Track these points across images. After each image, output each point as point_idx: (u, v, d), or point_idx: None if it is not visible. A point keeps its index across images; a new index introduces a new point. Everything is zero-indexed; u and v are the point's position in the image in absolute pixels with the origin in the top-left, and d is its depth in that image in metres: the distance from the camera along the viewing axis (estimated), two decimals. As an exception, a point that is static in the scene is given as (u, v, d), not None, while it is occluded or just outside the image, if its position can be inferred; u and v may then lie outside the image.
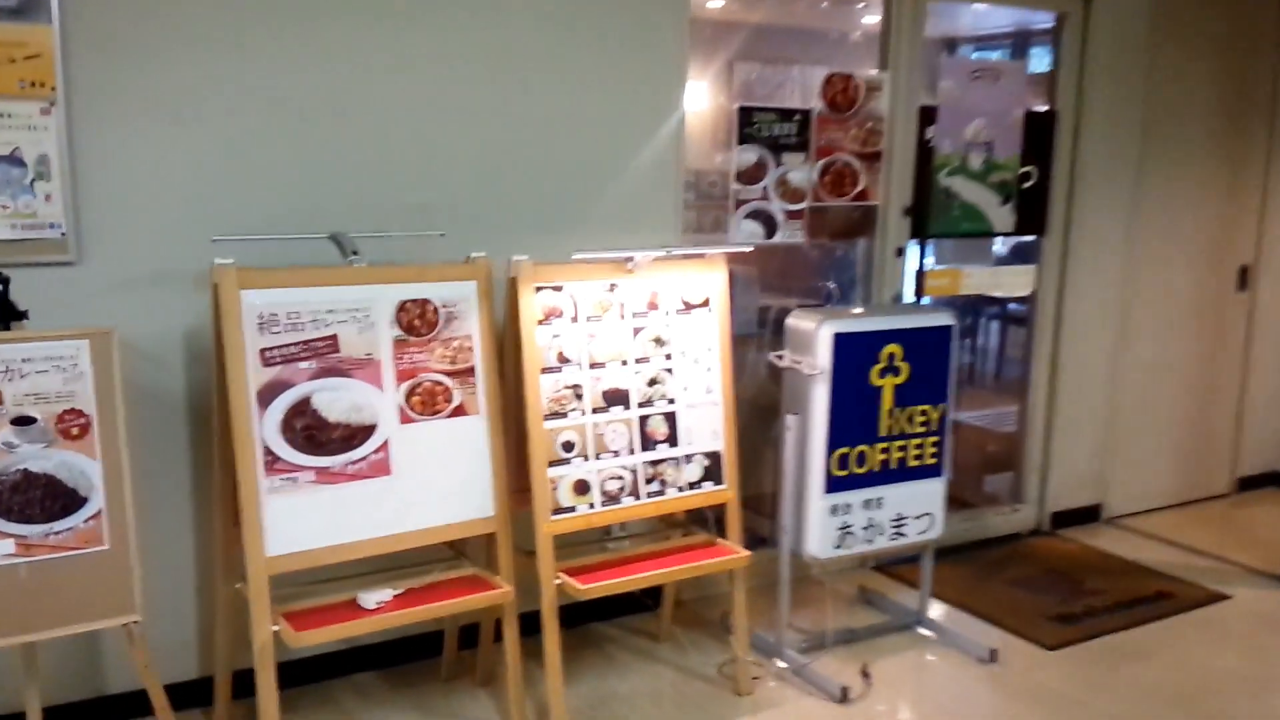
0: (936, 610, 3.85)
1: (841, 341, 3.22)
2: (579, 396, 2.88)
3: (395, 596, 2.63)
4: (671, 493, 3.06)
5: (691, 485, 3.11)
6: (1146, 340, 4.85)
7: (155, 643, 2.73)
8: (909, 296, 4.22)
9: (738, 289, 4.04)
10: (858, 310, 3.39)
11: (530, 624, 2.80)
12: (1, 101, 2.41)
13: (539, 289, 2.81)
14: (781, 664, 3.39)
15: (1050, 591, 4.10)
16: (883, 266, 4.11)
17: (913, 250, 4.09)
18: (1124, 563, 4.44)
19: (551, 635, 2.79)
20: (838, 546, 3.37)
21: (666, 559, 3.05)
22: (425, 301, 2.68)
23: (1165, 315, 4.91)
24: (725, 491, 3.16)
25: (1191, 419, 5.13)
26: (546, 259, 2.82)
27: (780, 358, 3.34)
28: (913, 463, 3.45)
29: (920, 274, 4.26)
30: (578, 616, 3.52)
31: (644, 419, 3.01)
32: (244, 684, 2.46)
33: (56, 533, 2.22)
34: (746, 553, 3.09)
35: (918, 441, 3.45)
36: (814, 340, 3.21)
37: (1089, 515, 4.88)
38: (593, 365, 2.91)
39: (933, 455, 3.49)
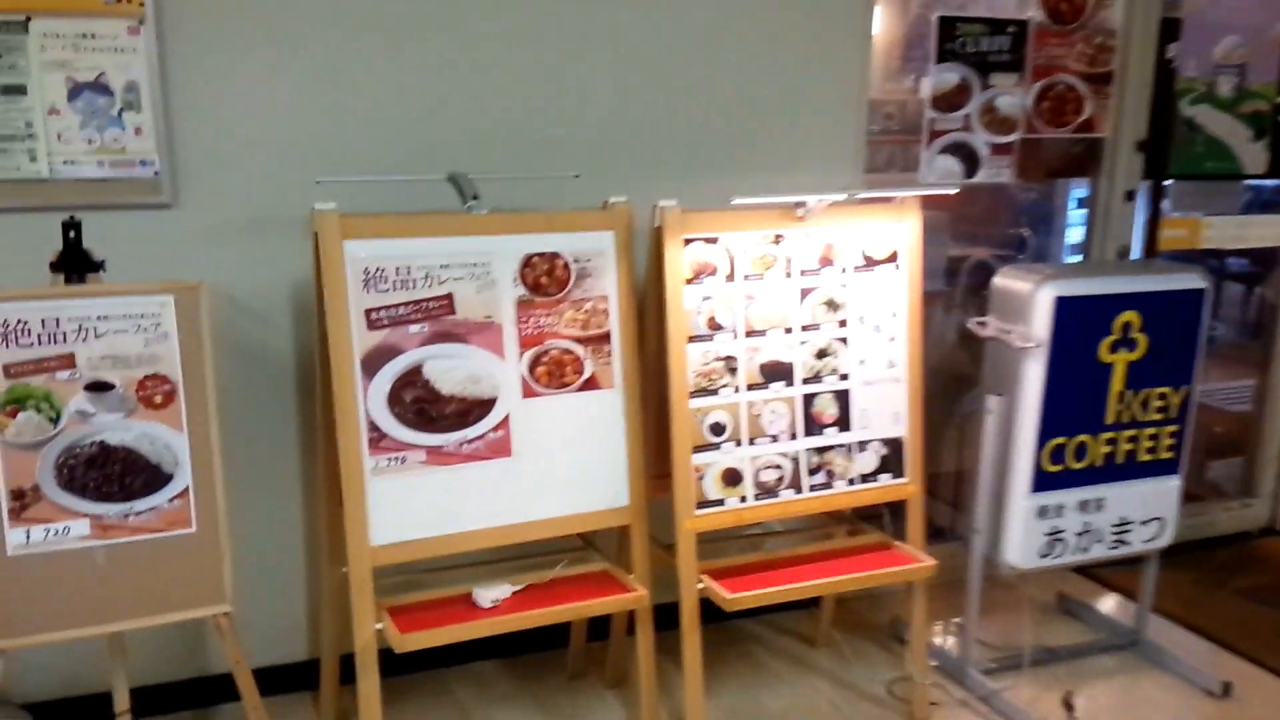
0: (1153, 626, 3.24)
1: (1065, 307, 2.64)
2: (732, 370, 2.46)
3: (514, 594, 2.31)
4: (840, 486, 2.61)
5: (865, 478, 2.65)
6: None
7: (263, 623, 2.58)
8: (1136, 252, 3.54)
9: (927, 233, 3.53)
10: (1085, 268, 2.78)
11: (668, 616, 2.44)
12: (85, 19, 2.17)
13: (688, 241, 2.38)
14: (965, 688, 2.91)
15: (1290, 602, 3.40)
16: (1108, 212, 3.44)
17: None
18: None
19: (692, 647, 2.42)
20: (1044, 555, 2.84)
21: (831, 564, 2.62)
22: (555, 255, 2.31)
23: None
24: (907, 486, 2.68)
25: None
26: (699, 205, 2.38)
27: (982, 324, 2.79)
28: (1144, 457, 2.86)
29: (1153, 223, 3.55)
30: (722, 612, 3.12)
31: (809, 398, 2.56)
32: (352, 668, 2.22)
33: (138, 513, 2.01)
34: (931, 561, 2.61)
35: (1152, 432, 2.84)
36: (1029, 305, 2.65)
37: None
38: (750, 333, 2.48)
39: (1169, 449, 2.88)
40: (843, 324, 2.60)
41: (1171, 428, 2.88)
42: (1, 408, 1.90)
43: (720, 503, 2.49)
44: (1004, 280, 2.78)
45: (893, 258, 2.64)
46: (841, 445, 2.63)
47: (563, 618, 2.31)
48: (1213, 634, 3.23)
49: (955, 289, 3.68)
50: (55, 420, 1.94)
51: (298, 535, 2.61)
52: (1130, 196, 3.52)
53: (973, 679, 2.93)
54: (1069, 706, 2.84)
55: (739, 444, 2.51)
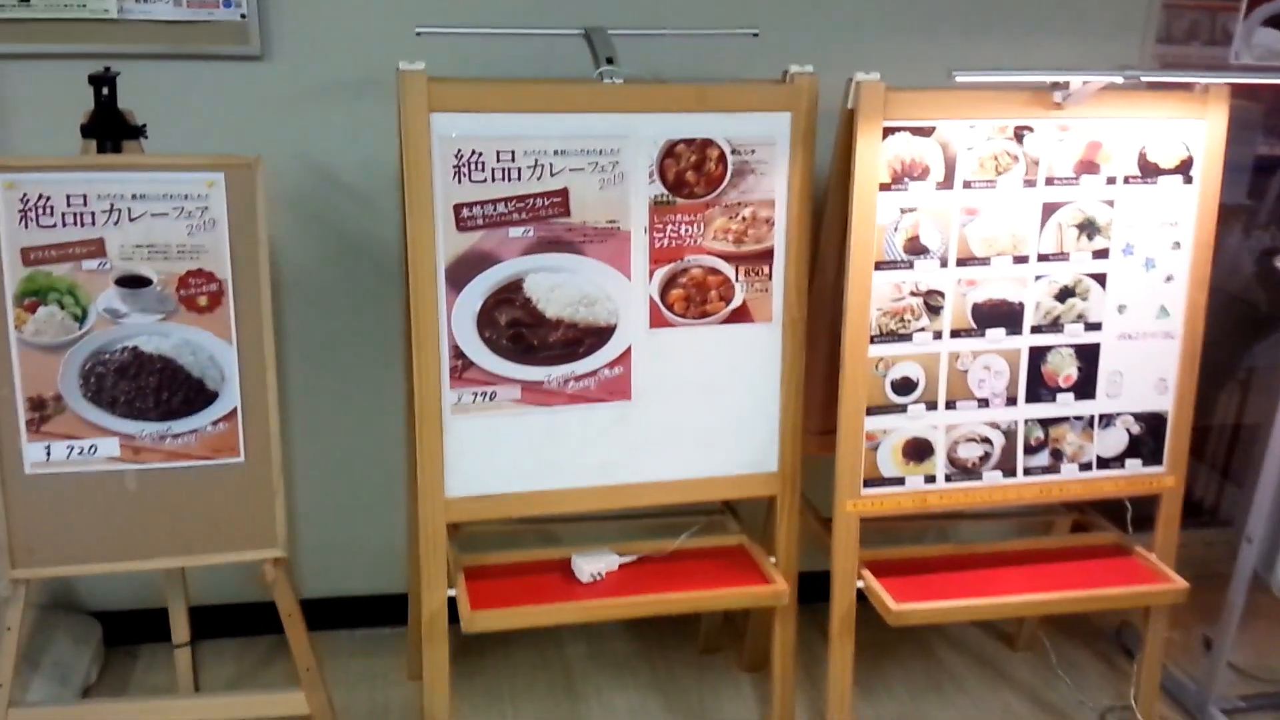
0: None
1: None
2: (934, 309, 1.84)
3: (622, 566, 1.86)
4: (1069, 471, 1.98)
5: (1106, 462, 1.99)
6: None
7: (366, 547, 2.34)
8: None
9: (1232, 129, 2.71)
10: None
11: (824, 584, 1.93)
12: None
13: (890, 131, 1.75)
14: None
15: None
16: None
17: None
18: None
19: (842, 658, 1.93)
20: None
21: (1041, 570, 2.02)
22: (707, 144, 1.75)
23: None
24: (1164, 477, 2.01)
25: None
26: (911, 81, 1.73)
27: None
28: None
29: None
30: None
31: (1040, 352, 1.91)
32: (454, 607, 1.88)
33: (175, 435, 1.68)
34: (1181, 584, 1.96)
35: None
36: None
37: None
38: (965, 261, 1.84)
39: None
40: (1100, 254, 1.91)
41: None
42: (19, 300, 1.59)
43: (899, 481, 1.92)
44: None
45: (1183, 167, 1.90)
46: (1079, 417, 1.98)
47: (672, 609, 1.86)
48: None
49: (1262, 205, 2.82)
50: (81, 319, 1.62)
51: (402, 455, 2.25)
52: None
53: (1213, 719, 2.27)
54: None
55: (932, 407, 1.91)
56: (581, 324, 1.79)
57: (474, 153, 1.68)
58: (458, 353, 1.74)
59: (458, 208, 1.70)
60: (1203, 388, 2.07)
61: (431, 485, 1.73)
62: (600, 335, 1.80)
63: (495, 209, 1.70)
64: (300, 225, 2.08)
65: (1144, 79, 1.79)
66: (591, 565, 1.87)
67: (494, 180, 1.69)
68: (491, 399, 1.76)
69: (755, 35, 1.96)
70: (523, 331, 1.75)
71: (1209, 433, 2.85)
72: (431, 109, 1.65)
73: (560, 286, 1.76)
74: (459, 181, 1.69)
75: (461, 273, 1.72)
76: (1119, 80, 1.75)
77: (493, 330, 1.74)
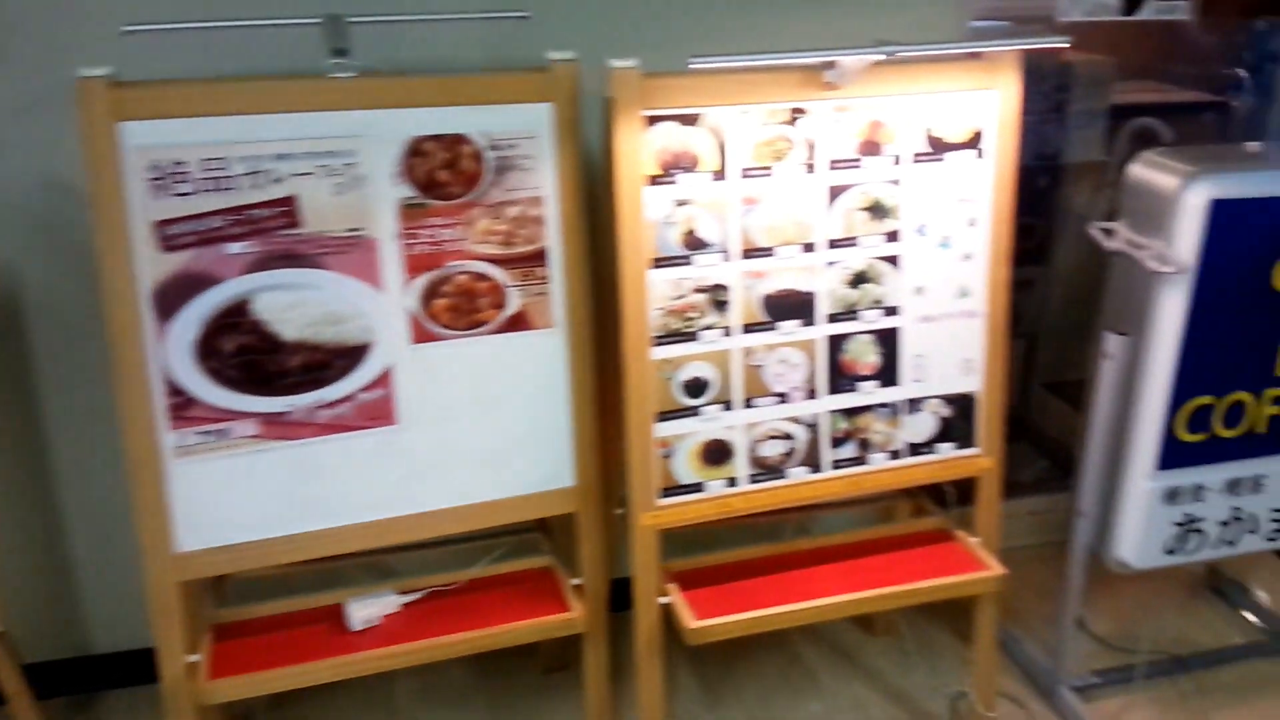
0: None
1: (1224, 215, 1.79)
2: (720, 305, 1.73)
3: (406, 606, 1.71)
4: (878, 460, 1.89)
5: (917, 448, 1.91)
6: None
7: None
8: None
9: (1079, 85, 2.69)
10: (1262, 156, 1.89)
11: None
12: None
13: (653, 119, 1.62)
14: (1055, 710, 2.21)
15: None
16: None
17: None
18: None
19: (651, 680, 1.79)
20: (1172, 551, 2.07)
21: (858, 566, 1.92)
22: (459, 140, 1.59)
23: None
24: (978, 459, 1.93)
25: None
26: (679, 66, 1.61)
27: (1108, 233, 1.96)
28: (1331, 421, 2.01)
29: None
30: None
31: (838, 341, 1.81)
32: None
33: None
34: (999, 570, 1.89)
35: (1348, 387, 1.99)
36: (1172, 210, 1.81)
37: None
38: (750, 252, 1.73)
39: None
40: (892, 237, 1.81)
41: (1379, 382, 2.00)
42: None
43: (698, 487, 1.80)
44: (1142, 171, 1.92)
45: (973, 141, 1.81)
46: (885, 405, 1.89)
47: (451, 653, 1.70)
48: None
49: (1113, 162, 2.80)
50: None
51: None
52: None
53: (1064, 701, 2.22)
54: (1190, 748, 2.11)
55: (728, 407, 1.79)
56: (328, 345, 1.62)
57: (175, 163, 1.50)
58: (175, 389, 1.56)
59: (159, 225, 1.52)
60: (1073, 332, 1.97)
61: (156, 542, 1.55)
62: (352, 356, 1.64)
63: (206, 224, 1.53)
64: (43, 242, 1.87)
65: (914, 53, 1.68)
66: (365, 610, 1.71)
67: (203, 192, 1.52)
68: (223, 437, 1.59)
69: (526, 18, 1.81)
70: (255, 359, 1.58)
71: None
72: (119, 117, 1.47)
73: (298, 305, 1.60)
74: (159, 196, 1.51)
75: (171, 299, 1.54)
76: (884, 55, 1.64)
77: (217, 360, 1.56)
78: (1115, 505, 2.08)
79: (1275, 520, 2.13)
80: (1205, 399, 1.97)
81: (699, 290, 1.74)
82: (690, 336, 1.76)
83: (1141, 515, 2.04)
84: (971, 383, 1.94)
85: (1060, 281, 3.00)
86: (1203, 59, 3.04)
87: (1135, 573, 2.11)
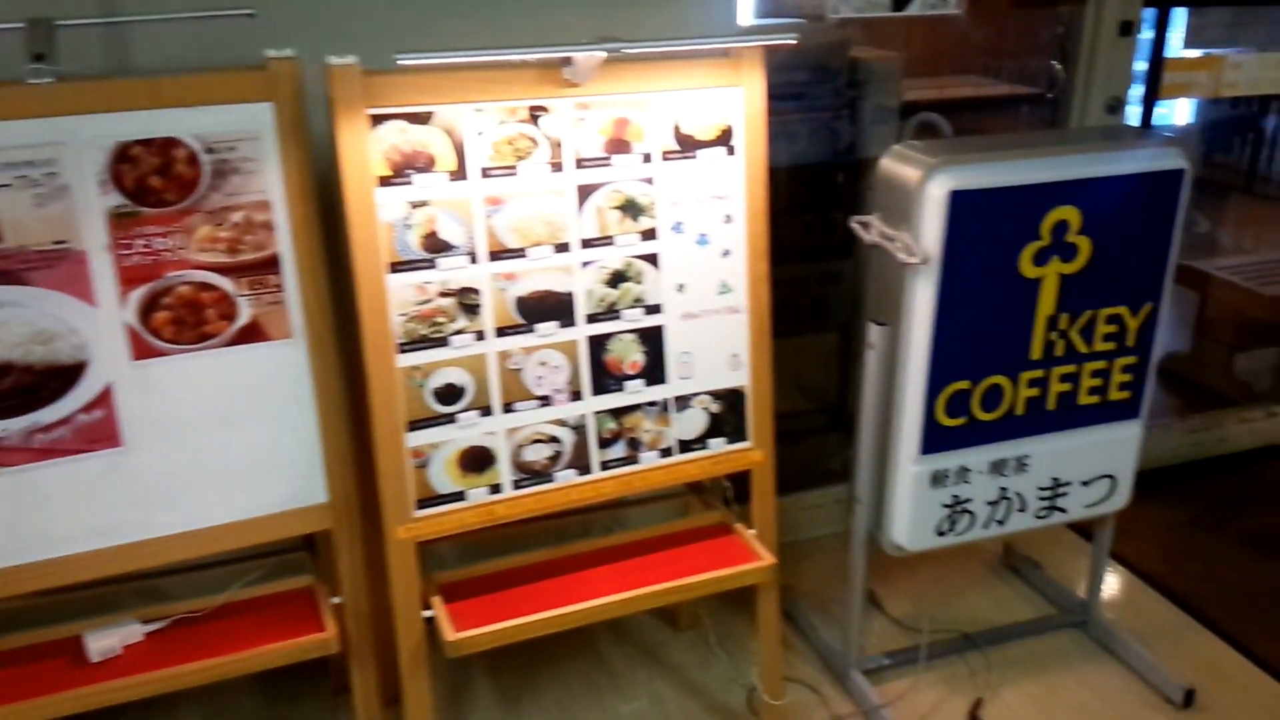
0: (1117, 592, 2.63)
1: (966, 205, 1.86)
2: (470, 309, 1.70)
3: (150, 635, 1.62)
4: (649, 458, 1.88)
5: (687, 445, 1.91)
6: None
7: None
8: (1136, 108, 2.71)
9: (872, 80, 2.80)
10: (1002, 147, 1.96)
11: None
12: None
13: (380, 118, 1.57)
14: (849, 696, 2.26)
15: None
16: (1093, 52, 2.57)
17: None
18: None
19: (419, 699, 1.75)
20: (943, 532, 2.13)
21: (635, 565, 1.92)
22: (171, 143, 1.52)
23: None
24: (750, 452, 1.95)
25: None
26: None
27: (865, 226, 2.00)
28: (1086, 399, 2.12)
29: (1157, 65, 2.69)
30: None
31: (600, 341, 1.81)
32: None
33: None
34: (770, 560, 1.91)
35: (1098, 366, 2.09)
36: (916, 202, 1.86)
37: None
38: (498, 254, 1.71)
39: (1124, 387, 2.12)
40: (648, 235, 1.82)
41: (1127, 360, 2.12)
42: None
43: (458, 496, 1.77)
44: (889, 165, 1.97)
45: (724, 138, 1.83)
46: (652, 403, 1.89)
47: (191, 681, 1.62)
48: (1191, 601, 2.55)
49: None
50: None
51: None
52: (1128, 29, 2.64)
53: (855, 684, 2.27)
54: (974, 722, 2.18)
55: (487, 412, 1.76)
56: (39, 365, 1.53)
57: None
58: None
59: None
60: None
61: None
62: (66, 376, 1.55)
63: (-116, 243, 1.42)
64: None
65: (652, 50, 1.69)
66: (104, 641, 1.63)
67: (-124, 209, 1.40)
68: (-80, 468, 1.48)
69: (252, 15, 1.74)
70: (-47, 384, 1.47)
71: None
72: None
73: (2, 325, 1.50)
74: None
75: None
76: (616, 50, 1.64)
77: (-92, 387, 1.46)
78: (887, 491, 2.13)
79: (1043, 499, 2.22)
80: (962, 384, 2.04)
81: (445, 294, 1.71)
82: (440, 342, 1.72)
83: (910, 499, 2.10)
84: (739, 377, 1.96)
85: (867, 273, 3.08)
86: (1019, 52, 3.17)
87: (910, 555, 2.17)
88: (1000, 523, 2.20)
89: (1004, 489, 2.17)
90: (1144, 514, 2.86)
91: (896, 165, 1.95)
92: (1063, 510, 2.25)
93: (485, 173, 1.70)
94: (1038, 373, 2.08)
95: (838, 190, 3.06)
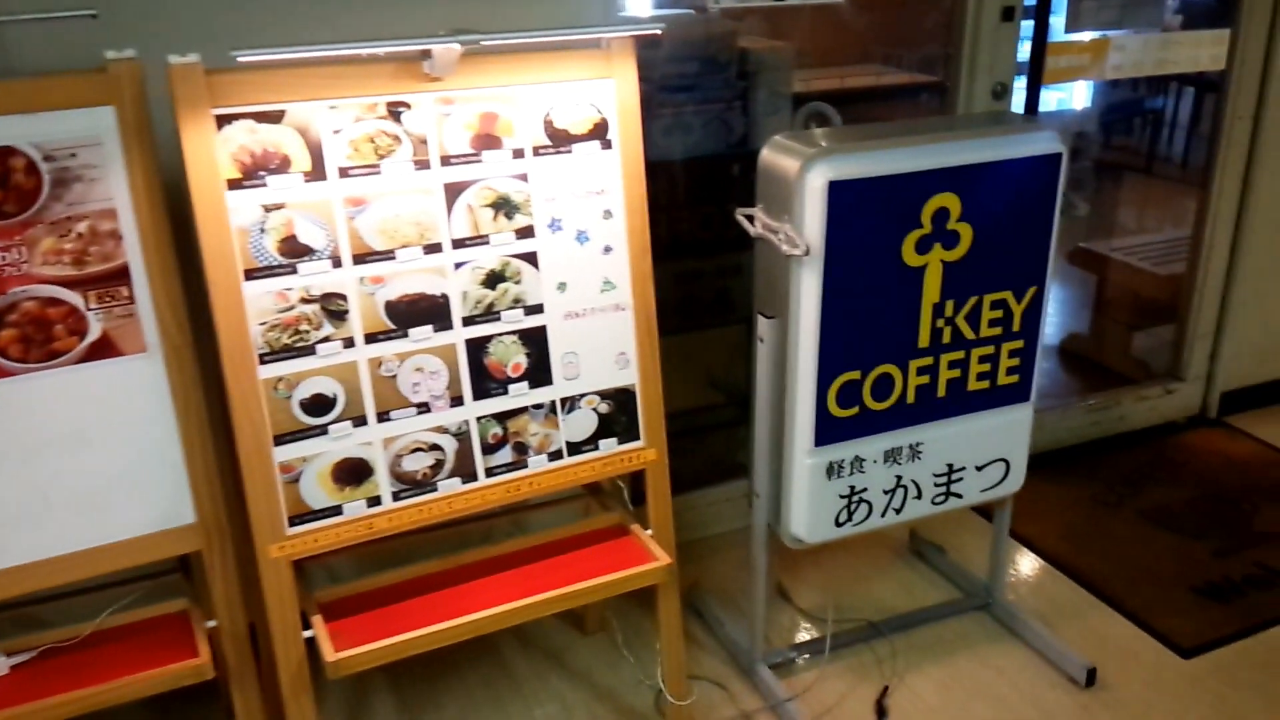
0: (1020, 573, 2.67)
1: (845, 195, 1.85)
2: (337, 315, 1.64)
3: (16, 668, 1.54)
4: (538, 463, 1.84)
5: (577, 447, 1.88)
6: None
7: None
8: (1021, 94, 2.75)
9: (763, 70, 2.80)
10: (880, 135, 1.96)
11: None
12: None
13: (227, 118, 1.51)
14: (756, 691, 2.25)
15: (1203, 532, 2.84)
16: (976, 38, 2.60)
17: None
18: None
19: None
20: (840, 524, 2.13)
21: (532, 571, 1.88)
22: (7, 152, 1.44)
23: None
24: (644, 452, 1.93)
25: None
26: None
27: (750, 218, 1.99)
28: (976, 385, 2.13)
29: (1040, 49, 2.72)
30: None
31: (479, 344, 1.76)
32: None
33: None
34: (665, 560, 1.88)
35: (986, 352, 2.11)
36: (796, 192, 1.84)
37: (1276, 393, 3.45)
38: (363, 257, 1.66)
39: (1012, 371, 2.14)
40: (525, 233, 1.78)
41: (1014, 344, 2.14)
42: None
43: (335, 511, 1.71)
44: (770, 156, 1.96)
45: (598, 131, 1.80)
46: (538, 406, 1.85)
47: (66, 713, 1.55)
48: (1094, 579, 2.60)
49: None
50: None
51: None
52: (1009, 15, 2.66)
53: (762, 678, 2.26)
54: (881, 714, 2.19)
55: (361, 422, 1.71)
56: None
57: None
58: None
59: None
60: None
61: None
62: (-105, 403, 1.46)
63: None
64: None
65: (515, 40, 1.65)
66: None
67: None
68: None
69: (94, 17, 1.65)
70: None
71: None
72: None
73: None
74: None
75: None
76: (475, 42, 1.60)
77: None
78: (784, 484, 2.12)
79: (939, 485, 2.23)
80: (852, 374, 2.04)
81: (308, 300, 1.66)
82: (306, 351, 1.67)
83: (807, 491, 2.09)
84: (628, 376, 1.94)
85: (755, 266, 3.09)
86: (912, 40, 3.19)
87: (811, 547, 2.16)
88: (898, 511, 2.21)
89: (899, 477, 2.17)
90: (1046, 494, 2.92)
91: (776, 156, 1.94)
92: (959, 495, 2.26)
93: (344, 172, 1.64)
94: (927, 360, 2.09)
95: (734, 182, 3.06)
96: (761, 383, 2.06)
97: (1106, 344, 3.74)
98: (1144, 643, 2.41)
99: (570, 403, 1.88)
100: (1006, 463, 2.27)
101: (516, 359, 1.82)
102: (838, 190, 1.86)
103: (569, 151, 1.79)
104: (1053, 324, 4.16)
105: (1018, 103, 2.81)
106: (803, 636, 2.41)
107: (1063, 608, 2.53)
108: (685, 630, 2.40)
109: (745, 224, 2.02)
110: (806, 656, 2.35)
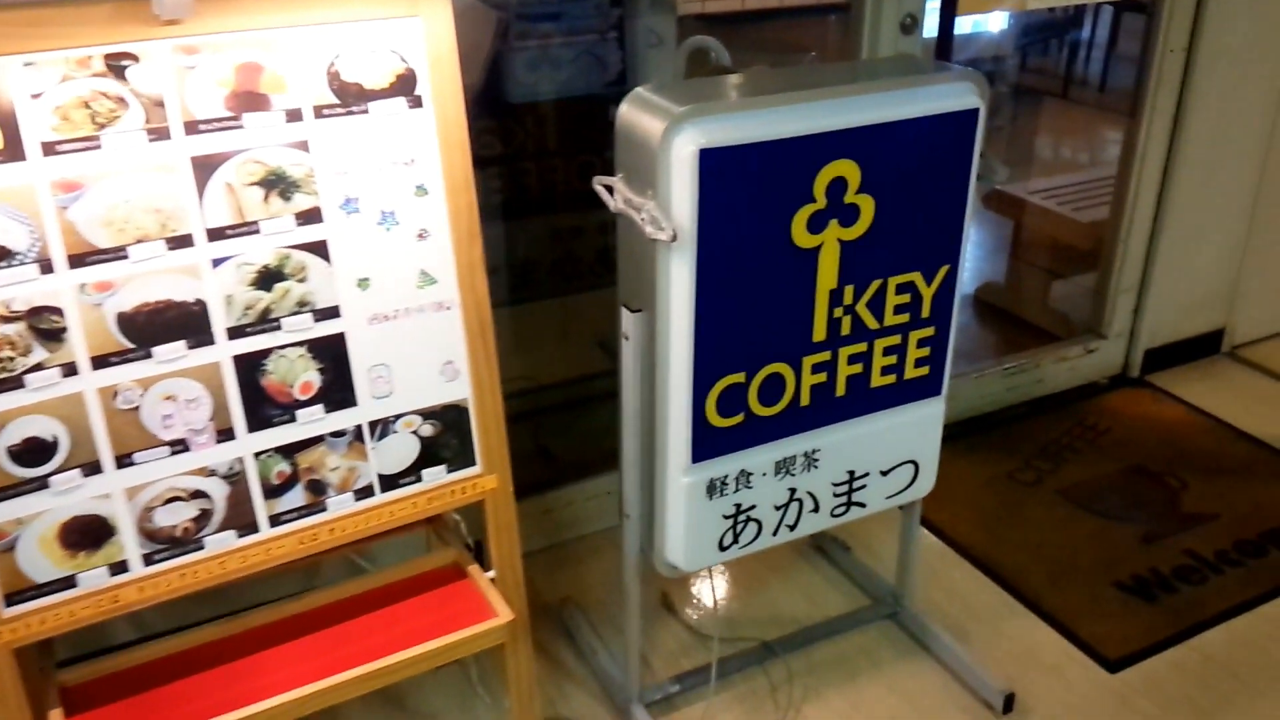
0: (932, 571, 2.45)
1: (720, 166, 1.52)
2: (50, 335, 1.26)
3: None
4: (341, 503, 1.50)
5: (394, 481, 1.53)
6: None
7: None
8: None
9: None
10: (764, 86, 1.62)
11: None
12: None
13: None
14: None
15: (1129, 514, 2.65)
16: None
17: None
18: (1248, 447, 2.94)
19: None
20: (725, 547, 1.85)
21: (339, 635, 1.54)
22: None
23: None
24: (482, 479, 1.59)
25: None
26: None
27: (610, 190, 1.64)
28: (881, 380, 1.86)
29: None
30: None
31: (254, 360, 1.39)
32: None
33: None
34: (506, 617, 1.57)
35: (891, 342, 1.83)
36: (660, 163, 1.50)
37: (1202, 347, 3.37)
38: (82, 258, 1.29)
39: (922, 363, 1.86)
40: (308, 217, 1.40)
41: (923, 332, 1.85)
42: None
43: (67, 583, 1.34)
44: (629, 113, 1.60)
45: (404, 85, 1.42)
46: (338, 433, 1.49)
47: None
48: (1013, 577, 2.42)
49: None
50: None
51: None
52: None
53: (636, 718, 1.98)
54: (770, 754, 1.93)
55: (93, 470, 1.33)
56: None
57: None
58: None
59: None
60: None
61: None
62: None
63: None
64: None
65: None
66: None
67: None
68: None
69: None
70: None
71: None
72: None
73: None
74: None
75: None
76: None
77: None
78: (657, 505, 1.82)
79: (839, 494, 1.96)
80: (735, 376, 1.73)
81: (9, 318, 1.26)
82: (11, 384, 1.28)
83: (684, 514, 1.80)
84: (457, 389, 1.60)
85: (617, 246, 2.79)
86: None
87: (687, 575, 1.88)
88: (792, 527, 1.94)
89: (793, 490, 1.89)
90: (960, 472, 2.69)
91: (636, 115, 1.59)
92: (861, 505, 2.00)
93: (51, 148, 1.25)
94: (823, 356, 1.80)
95: (612, 126, 2.69)
96: (628, 388, 1.74)
97: (1024, 295, 3.53)
98: (1067, 654, 2.20)
99: (382, 426, 1.53)
100: (915, 465, 2.01)
101: (306, 377, 1.46)
102: (711, 159, 1.52)
103: (364, 112, 1.42)
104: (968, 270, 3.95)
105: (931, 35, 2.49)
106: (688, 663, 2.14)
107: (978, 612, 2.31)
108: (555, 658, 2.13)
109: (604, 195, 1.67)
110: (692, 689, 2.07)
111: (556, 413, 2.99)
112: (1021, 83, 5.40)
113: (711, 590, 2.38)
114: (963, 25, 3.65)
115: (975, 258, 4.09)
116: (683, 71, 2.41)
